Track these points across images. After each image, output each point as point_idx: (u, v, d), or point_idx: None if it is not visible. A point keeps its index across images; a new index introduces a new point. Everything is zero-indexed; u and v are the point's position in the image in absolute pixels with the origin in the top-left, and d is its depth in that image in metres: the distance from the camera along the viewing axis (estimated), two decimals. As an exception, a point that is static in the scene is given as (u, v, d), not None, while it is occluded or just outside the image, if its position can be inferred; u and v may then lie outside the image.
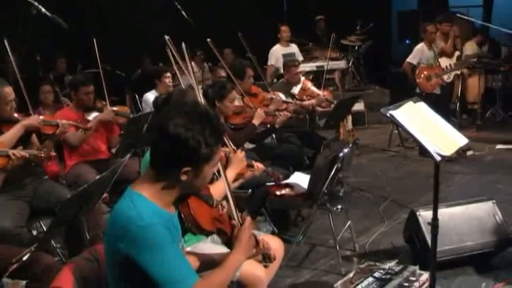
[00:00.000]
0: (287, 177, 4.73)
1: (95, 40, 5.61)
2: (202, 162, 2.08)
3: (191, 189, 2.20)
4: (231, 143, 3.43)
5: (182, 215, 2.21)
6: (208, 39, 5.76)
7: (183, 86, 4.51)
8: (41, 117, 4.49)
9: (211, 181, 3.13)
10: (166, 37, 4.28)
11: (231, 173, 3.12)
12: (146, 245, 1.97)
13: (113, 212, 2.09)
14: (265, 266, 2.61)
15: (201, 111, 2.12)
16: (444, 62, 8.07)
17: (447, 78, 8.01)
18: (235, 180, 3.19)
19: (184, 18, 6.17)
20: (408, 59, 8.07)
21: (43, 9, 3.87)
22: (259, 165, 3.41)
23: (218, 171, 3.08)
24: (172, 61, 4.65)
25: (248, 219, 2.38)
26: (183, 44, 2.71)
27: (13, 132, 3.93)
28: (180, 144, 2.02)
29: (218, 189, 2.80)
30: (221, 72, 6.72)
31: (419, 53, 8.02)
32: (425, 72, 7.77)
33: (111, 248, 2.06)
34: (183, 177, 2.07)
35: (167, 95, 3.99)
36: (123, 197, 2.09)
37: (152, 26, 9.73)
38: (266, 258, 2.51)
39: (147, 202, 2.05)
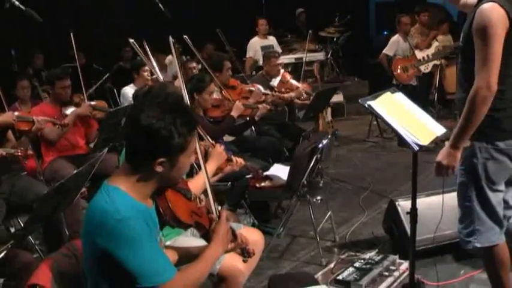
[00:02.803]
0: (267, 169, 4.73)
1: (72, 34, 5.54)
2: (176, 153, 2.07)
3: (168, 181, 2.18)
4: (208, 137, 3.42)
5: (160, 208, 2.19)
6: (185, 36, 5.71)
7: (161, 79, 4.49)
8: (16, 113, 4.45)
9: (191, 175, 3.12)
10: (131, 40, 4.28)
11: (211, 166, 3.10)
12: (123, 239, 1.95)
13: (90, 206, 2.07)
14: (245, 261, 2.59)
15: (172, 102, 2.12)
16: (421, 53, 8.13)
17: (424, 68, 8.08)
18: (214, 174, 3.18)
19: (161, 10, 6.12)
20: (384, 51, 8.15)
21: (17, 3, 3.80)
22: (238, 160, 3.40)
23: (198, 165, 3.08)
24: (145, 60, 4.67)
25: (225, 212, 2.39)
26: (170, 38, 2.68)
27: None
28: (152, 134, 2.00)
29: (197, 184, 2.79)
30: (192, 64, 6.67)
31: (395, 44, 8.09)
32: (401, 64, 7.83)
33: (88, 242, 2.05)
34: (159, 169, 2.05)
35: (148, 89, 3.96)
36: (100, 191, 2.07)
37: (130, 18, 9.66)
38: (245, 253, 2.51)
39: (124, 195, 2.03)
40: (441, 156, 2.90)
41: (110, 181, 2.09)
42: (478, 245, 2.98)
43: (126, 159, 2.10)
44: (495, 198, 2.93)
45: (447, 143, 2.92)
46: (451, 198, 3.28)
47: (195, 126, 2.18)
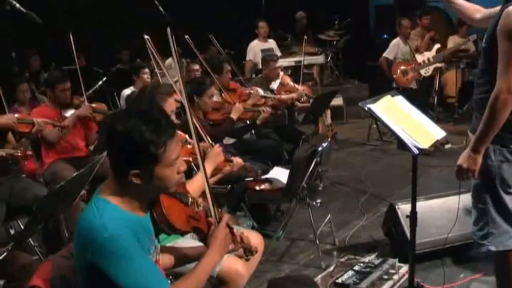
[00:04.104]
0: (266, 172, 4.73)
1: (71, 36, 5.54)
2: (148, 163, 1.94)
3: (154, 193, 2.08)
4: (208, 138, 3.41)
5: (155, 216, 2.11)
6: (187, 36, 5.72)
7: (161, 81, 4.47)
8: (16, 115, 4.45)
9: (189, 177, 3.11)
10: (146, 36, 4.25)
11: (208, 167, 3.06)
12: (113, 256, 1.89)
13: (80, 219, 2.00)
14: (247, 260, 2.54)
15: (143, 109, 2.03)
16: (421, 56, 8.14)
17: (425, 72, 8.08)
18: (213, 175, 3.15)
19: (162, 13, 6.13)
20: (384, 54, 8.17)
21: (17, 5, 3.79)
22: (238, 161, 3.38)
23: (197, 166, 3.07)
24: (153, 60, 4.64)
25: (225, 216, 2.30)
26: (168, 29, 2.55)
27: None
28: (117, 143, 1.93)
29: (195, 186, 2.72)
30: (195, 66, 6.69)
31: (395, 47, 8.11)
32: (401, 67, 7.84)
33: (79, 253, 1.99)
34: (136, 181, 1.95)
35: (140, 91, 3.90)
36: (90, 204, 2.00)
37: (129, 21, 9.65)
38: (247, 252, 2.44)
39: (113, 208, 1.96)
40: (462, 159, 2.87)
41: (101, 192, 2.02)
42: (493, 249, 2.91)
43: (111, 170, 2.03)
44: (511, 201, 2.88)
45: (468, 147, 2.87)
46: (453, 202, 3.28)
47: (168, 134, 1.97)
